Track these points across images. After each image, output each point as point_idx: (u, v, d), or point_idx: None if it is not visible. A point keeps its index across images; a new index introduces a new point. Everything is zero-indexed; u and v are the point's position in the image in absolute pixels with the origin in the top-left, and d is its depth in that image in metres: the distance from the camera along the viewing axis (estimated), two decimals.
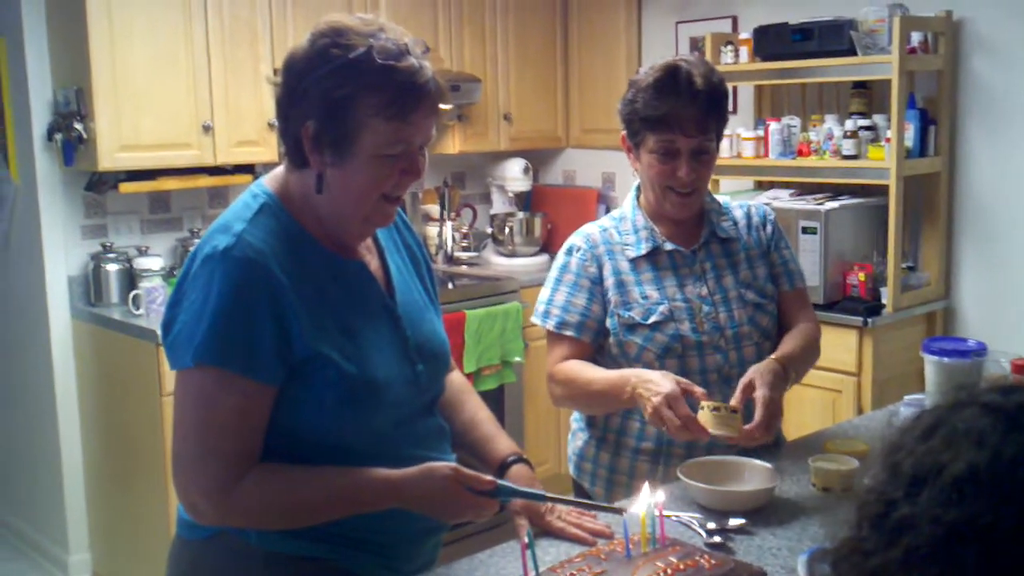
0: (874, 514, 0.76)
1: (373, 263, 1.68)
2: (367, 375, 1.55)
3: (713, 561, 1.54)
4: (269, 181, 1.61)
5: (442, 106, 1.56)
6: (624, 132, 2.12)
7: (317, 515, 1.53)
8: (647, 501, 1.60)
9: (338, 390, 1.52)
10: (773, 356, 2.03)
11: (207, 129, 3.78)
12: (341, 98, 1.47)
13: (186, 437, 1.50)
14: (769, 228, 2.22)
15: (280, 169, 1.62)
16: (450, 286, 4.37)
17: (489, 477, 1.54)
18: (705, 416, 1.87)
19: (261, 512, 1.51)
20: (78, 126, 3.59)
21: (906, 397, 2.43)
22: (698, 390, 1.91)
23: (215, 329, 1.45)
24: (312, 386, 1.52)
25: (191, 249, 1.61)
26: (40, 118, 3.75)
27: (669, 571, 1.51)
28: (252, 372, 1.47)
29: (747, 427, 1.89)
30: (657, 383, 1.91)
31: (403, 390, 1.62)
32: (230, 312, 1.46)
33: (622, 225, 2.17)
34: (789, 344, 2.10)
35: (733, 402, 1.91)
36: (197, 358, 1.46)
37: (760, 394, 1.91)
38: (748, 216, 2.22)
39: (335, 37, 1.49)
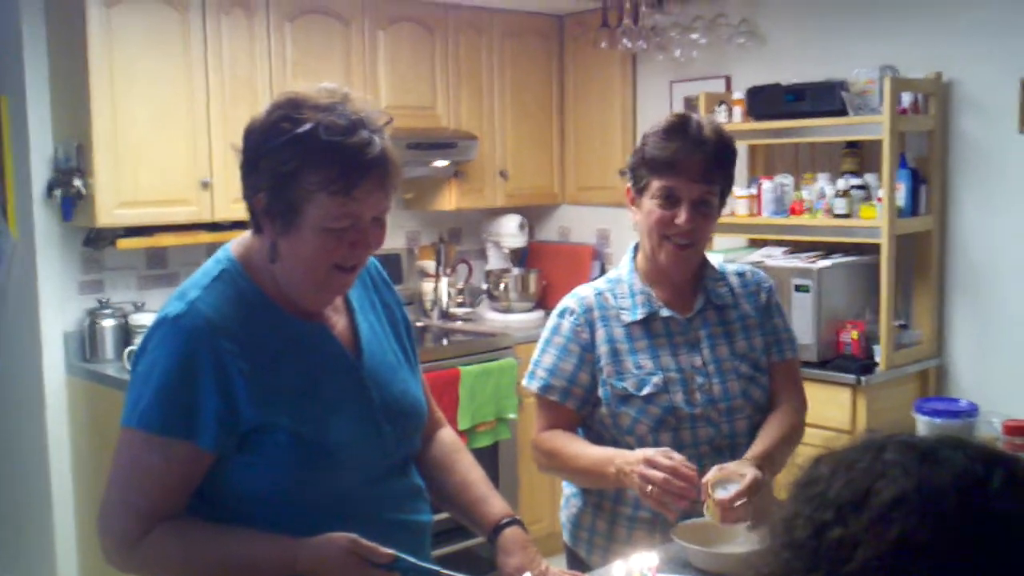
0: (802, 538, 0.79)
1: (340, 323, 1.69)
2: (321, 438, 1.57)
3: None
4: (235, 246, 1.65)
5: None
6: (629, 184, 2.10)
7: (215, 574, 1.54)
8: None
9: (291, 453, 1.54)
10: (747, 455, 1.96)
11: (205, 185, 3.81)
12: (286, 172, 1.50)
13: (111, 485, 1.56)
14: (764, 296, 2.18)
15: (248, 233, 1.65)
16: (444, 342, 4.38)
17: (388, 550, 1.51)
18: (710, 510, 1.84)
19: (161, 567, 1.56)
20: (77, 182, 3.62)
21: None
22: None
23: (158, 396, 1.52)
24: (263, 451, 1.55)
25: None
26: (40, 174, 3.78)
27: None
28: (190, 438, 1.51)
29: (724, 497, 1.81)
30: (636, 454, 1.88)
31: (366, 452, 1.63)
32: (173, 381, 1.52)
33: (618, 288, 2.13)
34: (766, 438, 2.02)
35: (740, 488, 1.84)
36: (140, 422, 1.53)
37: (750, 476, 1.84)
38: (745, 283, 2.19)
39: (289, 110, 1.52)
